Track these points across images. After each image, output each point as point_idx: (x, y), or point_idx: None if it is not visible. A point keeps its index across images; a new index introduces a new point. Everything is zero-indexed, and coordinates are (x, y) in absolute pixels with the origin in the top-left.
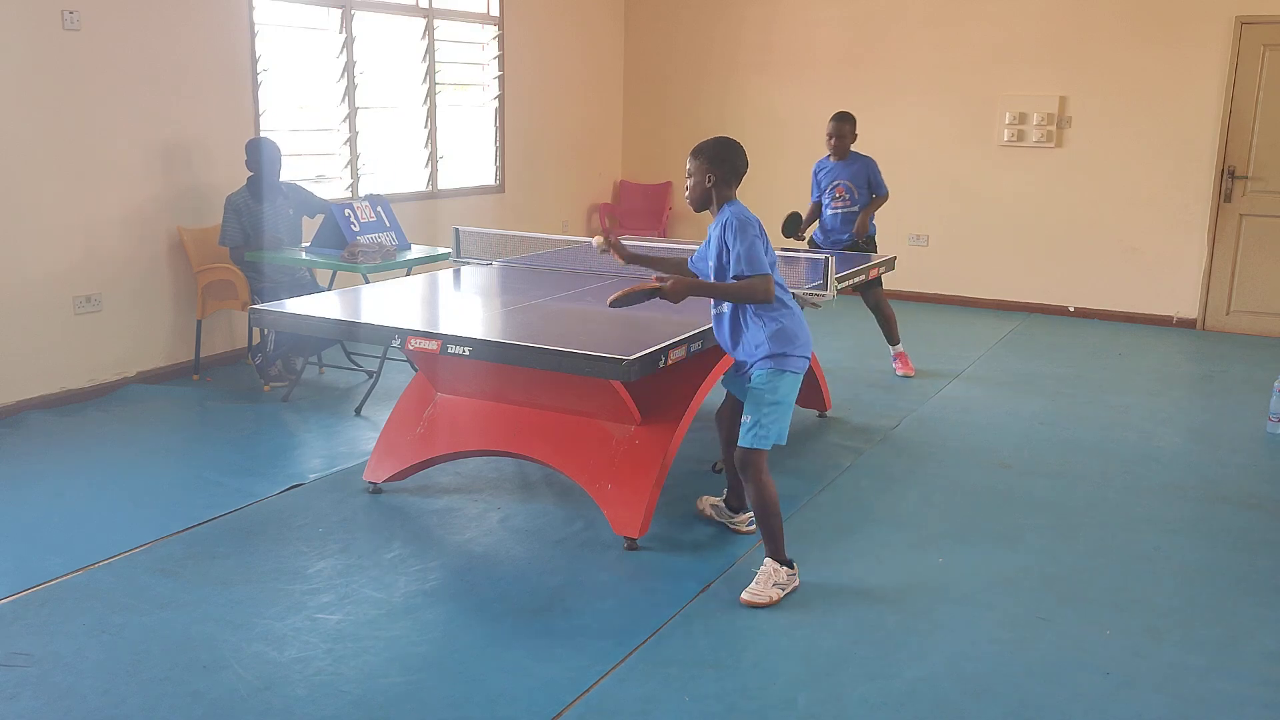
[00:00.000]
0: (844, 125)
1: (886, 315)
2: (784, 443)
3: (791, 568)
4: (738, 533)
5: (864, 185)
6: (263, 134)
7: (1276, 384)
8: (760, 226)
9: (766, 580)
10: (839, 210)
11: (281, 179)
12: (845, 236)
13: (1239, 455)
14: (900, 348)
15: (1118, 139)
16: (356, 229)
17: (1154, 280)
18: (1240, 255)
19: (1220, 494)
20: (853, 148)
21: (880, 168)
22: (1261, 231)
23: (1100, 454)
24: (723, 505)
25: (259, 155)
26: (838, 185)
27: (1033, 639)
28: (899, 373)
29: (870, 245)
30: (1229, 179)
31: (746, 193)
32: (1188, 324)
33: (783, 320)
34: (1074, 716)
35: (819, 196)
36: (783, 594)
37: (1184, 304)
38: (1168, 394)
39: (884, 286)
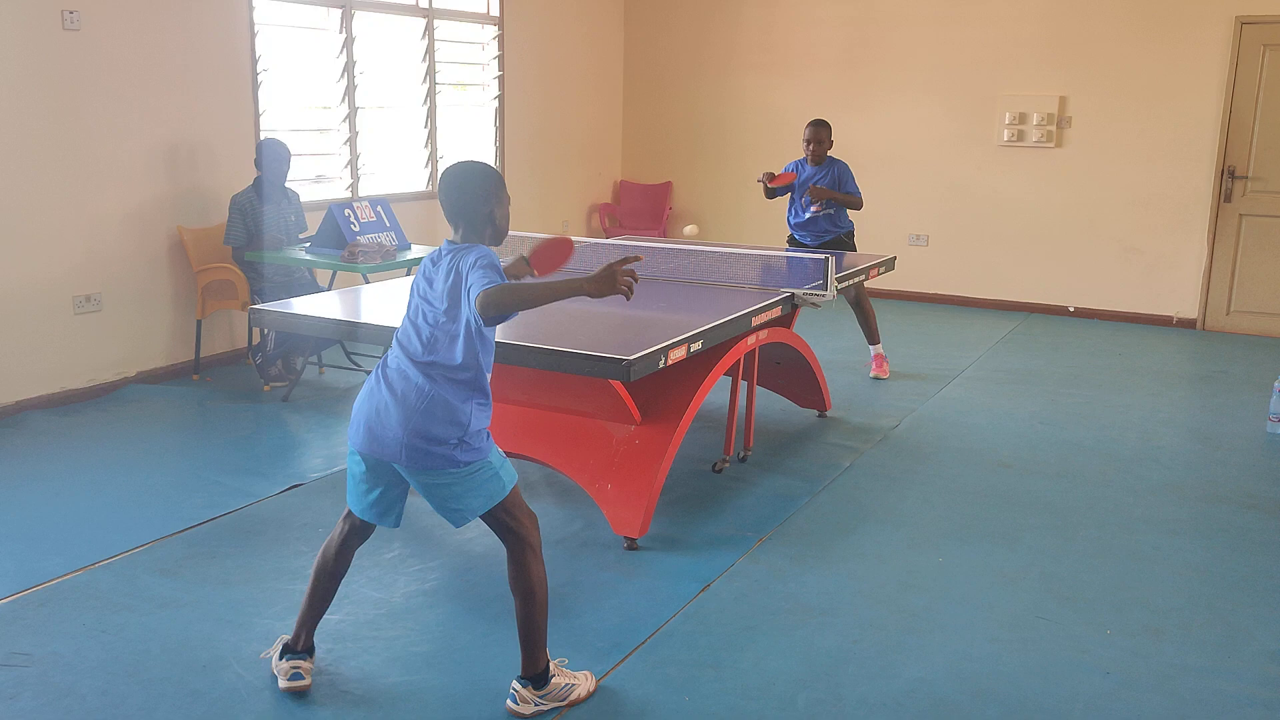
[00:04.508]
0: (822, 131)
1: (866, 311)
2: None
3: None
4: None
5: (837, 189)
6: (264, 134)
7: (1276, 384)
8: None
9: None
10: (818, 214)
11: (288, 183)
12: (828, 236)
13: (1239, 455)
14: (880, 349)
15: (1118, 139)
16: (356, 229)
17: (1154, 280)
18: (1240, 255)
19: (1220, 494)
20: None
21: (854, 172)
22: (1261, 231)
23: (1100, 454)
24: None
25: (264, 156)
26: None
27: (1033, 639)
28: (873, 374)
29: (849, 242)
30: (1229, 179)
31: (745, 190)
32: (1188, 324)
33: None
34: (1074, 716)
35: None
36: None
37: (1184, 304)
38: (1168, 394)
39: (887, 286)
